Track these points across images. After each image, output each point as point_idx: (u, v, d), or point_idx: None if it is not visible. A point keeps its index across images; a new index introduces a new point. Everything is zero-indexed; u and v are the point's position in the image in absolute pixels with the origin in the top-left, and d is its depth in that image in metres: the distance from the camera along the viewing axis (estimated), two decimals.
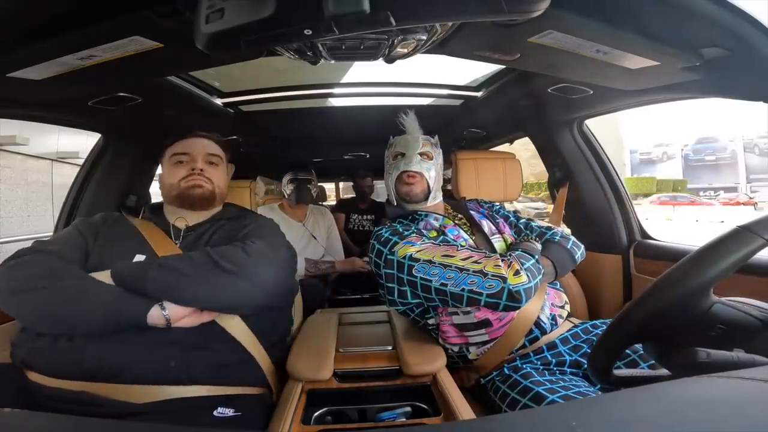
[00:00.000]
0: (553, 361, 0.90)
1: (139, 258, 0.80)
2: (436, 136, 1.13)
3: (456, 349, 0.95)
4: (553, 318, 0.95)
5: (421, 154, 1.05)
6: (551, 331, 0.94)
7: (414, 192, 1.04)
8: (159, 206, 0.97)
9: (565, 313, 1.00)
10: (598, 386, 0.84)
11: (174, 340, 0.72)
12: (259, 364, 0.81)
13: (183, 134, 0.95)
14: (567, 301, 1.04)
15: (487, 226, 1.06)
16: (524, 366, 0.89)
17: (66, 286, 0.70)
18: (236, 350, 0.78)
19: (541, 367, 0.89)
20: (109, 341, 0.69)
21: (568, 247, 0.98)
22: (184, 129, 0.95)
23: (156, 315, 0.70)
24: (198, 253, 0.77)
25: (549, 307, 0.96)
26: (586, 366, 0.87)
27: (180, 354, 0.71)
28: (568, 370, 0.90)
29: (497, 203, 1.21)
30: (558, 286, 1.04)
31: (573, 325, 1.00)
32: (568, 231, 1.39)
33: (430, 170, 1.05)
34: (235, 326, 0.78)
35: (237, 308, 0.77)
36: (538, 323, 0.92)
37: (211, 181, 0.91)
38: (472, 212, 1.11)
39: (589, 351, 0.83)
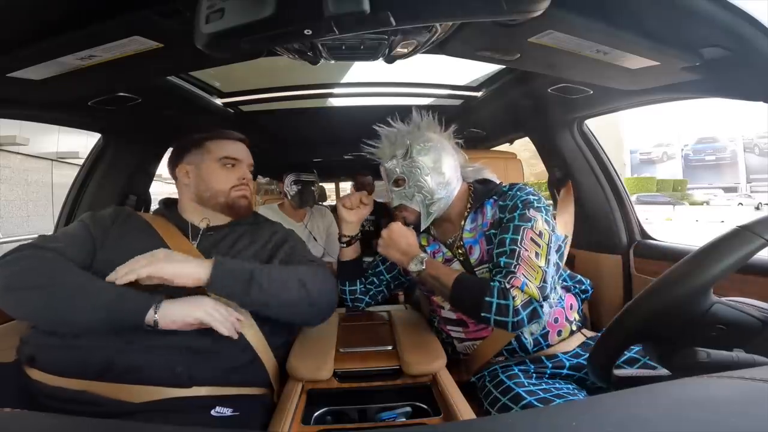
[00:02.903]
0: (549, 365, 0.90)
1: None
2: (415, 124, 0.99)
3: (445, 337, 0.98)
4: (544, 336, 0.92)
5: (395, 183, 0.97)
6: (534, 348, 0.92)
7: (410, 221, 0.99)
8: (173, 202, 0.95)
9: (571, 327, 0.95)
10: (584, 392, 0.84)
11: (186, 343, 0.71)
12: (265, 366, 0.81)
13: (229, 135, 0.95)
14: (578, 317, 0.99)
15: (478, 251, 0.94)
16: (514, 368, 0.89)
17: (65, 284, 0.70)
18: (246, 352, 0.78)
19: (534, 374, 0.89)
20: (119, 341, 0.69)
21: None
22: (215, 129, 0.95)
23: (149, 317, 0.69)
24: (286, 269, 0.82)
25: (537, 325, 0.92)
26: (585, 368, 0.87)
27: (189, 358, 0.71)
28: (564, 372, 0.90)
29: (519, 200, 0.90)
30: (563, 304, 0.96)
31: (585, 338, 0.96)
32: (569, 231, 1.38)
33: (408, 197, 0.95)
34: (248, 329, 0.78)
35: (296, 322, 0.87)
36: (519, 340, 0.91)
37: (251, 192, 0.93)
38: (471, 229, 0.97)
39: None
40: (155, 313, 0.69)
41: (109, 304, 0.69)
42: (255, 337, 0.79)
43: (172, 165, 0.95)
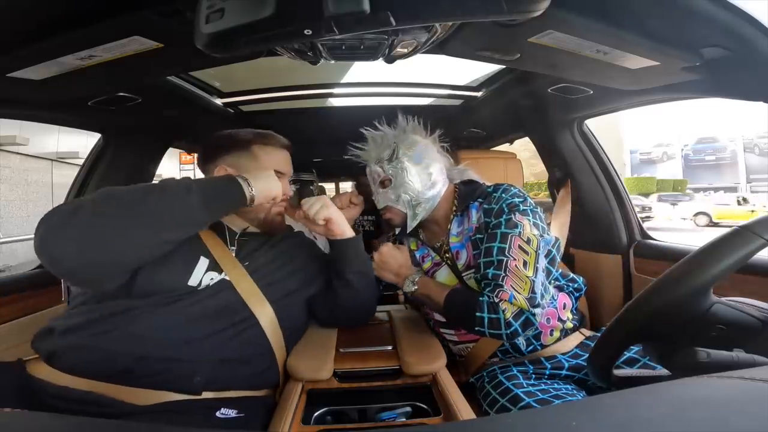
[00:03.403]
0: (548, 365, 0.90)
1: (204, 261, 0.78)
2: (401, 127, 1.01)
3: (441, 339, 0.98)
4: (536, 336, 0.92)
5: (381, 184, 1.00)
6: (528, 349, 0.92)
7: (391, 223, 1.02)
8: None
9: (565, 326, 0.95)
10: (584, 392, 0.84)
11: (214, 355, 0.72)
12: (278, 368, 0.81)
13: (279, 142, 0.94)
14: (573, 316, 0.98)
15: (465, 255, 0.94)
16: (513, 369, 0.90)
17: (151, 186, 0.71)
18: (266, 356, 0.79)
19: (533, 375, 0.89)
20: (148, 346, 0.68)
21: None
22: (274, 136, 0.94)
23: (248, 193, 0.75)
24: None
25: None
26: (584, 368, 0.87)
27: (211, 368, 0.71)
28: (563, 372, 0.90)
29: (505, 203, 0.90)
30: (555, 304, 0.96)
31: (584, 337, 0.96)
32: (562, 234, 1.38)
33: (397, 197, 0.97)
34: (268, 324, 0.79)
35: (353, 309, 0.94)
36: (512, 341, 0.92)
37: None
38: (457, 234, 0.97)
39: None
40: (251, 189, 0.75)
41: (199, 189, 0.70)
42: (276, 339, 0.80)
43: (207, 161, 0.90)
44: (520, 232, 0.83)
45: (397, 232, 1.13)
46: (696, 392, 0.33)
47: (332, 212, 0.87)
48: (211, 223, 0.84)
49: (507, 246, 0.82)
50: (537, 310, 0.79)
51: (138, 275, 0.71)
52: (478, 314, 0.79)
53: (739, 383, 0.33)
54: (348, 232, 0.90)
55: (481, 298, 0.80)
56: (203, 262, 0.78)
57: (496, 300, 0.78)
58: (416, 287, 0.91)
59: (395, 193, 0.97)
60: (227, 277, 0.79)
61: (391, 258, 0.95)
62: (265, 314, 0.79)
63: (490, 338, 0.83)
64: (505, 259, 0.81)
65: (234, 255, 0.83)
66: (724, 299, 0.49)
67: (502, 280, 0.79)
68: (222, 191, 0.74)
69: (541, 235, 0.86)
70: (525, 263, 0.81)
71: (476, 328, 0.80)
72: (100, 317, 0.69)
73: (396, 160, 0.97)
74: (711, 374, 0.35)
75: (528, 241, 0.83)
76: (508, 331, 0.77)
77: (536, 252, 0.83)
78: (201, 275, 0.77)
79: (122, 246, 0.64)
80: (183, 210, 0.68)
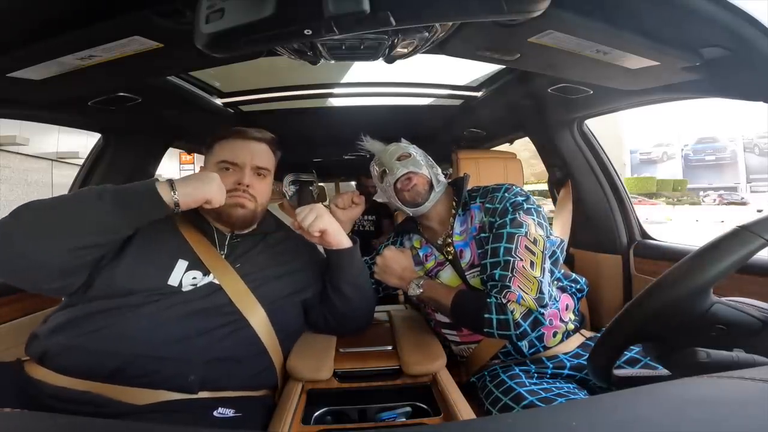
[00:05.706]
0: (550, 365, 0.90)
1: (182, 263, 0.77)
2: (402, 140, 1.08)
3: (442, 339, 0.98)
4: (539, 338, 0.91)
5: (399, 159, 1.00)
6: (530, 351, 0.92)
7: (418, 190, 0.98)
8: None
9: (567, 328, 0.94)
10: (585, 392, 0.84)
11: (206, 355, 0.71)
12: (276, 369, 0.81)
13: (232, 134, 0.87)
14: (575, 317, 0.98)
15: (469, 254, 0.94)
16: (515, 368, 0.90)
17: (68, 197, 0.72)
18: (262, 358, 0.79)
19: (535, 374, 0.89)
20: (136, 346, 0.68)
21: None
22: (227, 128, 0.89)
23: (169, 199, 0.70)
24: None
25: None
26: (586, 368, 0.87)
27: (205, 368, 0.71)
28: (565, 372, 0.89)
29: (509, 203, 0.91)
30: (558, 305, 0.95)
31: (585, 338, 0.95)
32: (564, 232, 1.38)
33: (417, 165, 0.98)
34: (266, 335, 0.79)
35: (348, 316, 0.91)
36: (514, 343, 0.91)
37: (255, 199, 0.85)
38: (461, 232, 0.98)
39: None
40: (174, 193, 0.71)
41: (114, 195, 0.69)
42: (270, 341, 0.80)
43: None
44: (526, 232, 0.84)
45: (391, 236, 1.14)
46: (696, 392, 0.33)
47: (327, 223, 0.82)
48: (198, 222, 0.85)
49: (513, 246, 0.82)
50: (545, 310, 0.79)
51: (98, 275, 0.72)
52: (486, 316, 0.79)
53: (739, 383, 0.33)
54: (345, 242, 0.86)
55: (488, 300, 0.80)
56: (182, 263, 0.78)
57: (504, 301, 0.78)
58: (421, 290, 0.91)
59: (417, 161, 0.99)
60: (216, 280, 0.78)
61: (394, 262, 0.94)
62: (256, 316, 0.78)
63: (499, 339, 0.83)
64: (512, 259, 0.81)
65: (224, 257, 0.82)
66: (724, 299, 0.49)
67: (510, 281, 0.79)
68: (136, 197, 0.70)
69: (548, 236, 0.86)
70: (532, 264, 0.81)
71: (485, 330, 0.80)
72: (84, 316, 0.69)
73: (414, 146, 1.04)
74: (711, 374, 0.35)
75: (534, 242, 0.83)
76: (518, 332, 0.78)
77: (542, 252, 0.83)
78: (181, 275, 0.76)
79: (38, 254, 0.66)
80: (93, 217, 0.68)
